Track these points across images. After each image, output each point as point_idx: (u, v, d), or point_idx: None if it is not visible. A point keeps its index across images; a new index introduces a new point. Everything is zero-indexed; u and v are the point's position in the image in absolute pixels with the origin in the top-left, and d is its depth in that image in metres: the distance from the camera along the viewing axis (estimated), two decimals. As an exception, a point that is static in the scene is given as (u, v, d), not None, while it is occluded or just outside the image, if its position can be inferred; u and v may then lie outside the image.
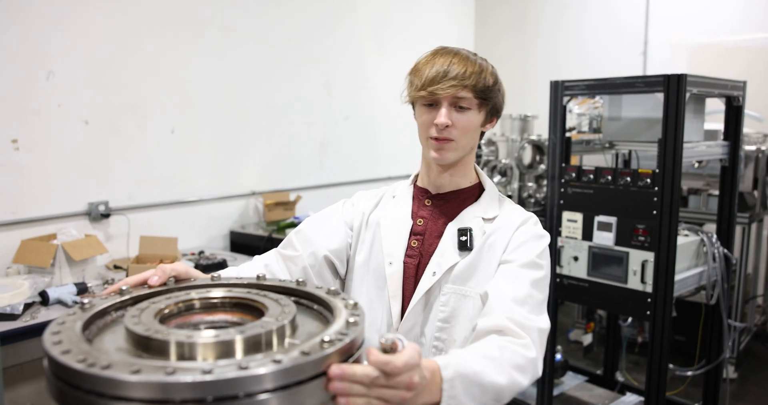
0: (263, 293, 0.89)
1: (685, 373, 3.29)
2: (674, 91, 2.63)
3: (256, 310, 0.84)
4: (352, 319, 0.81)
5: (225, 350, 0.72)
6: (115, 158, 3.73)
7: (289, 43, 4.70)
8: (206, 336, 0.73)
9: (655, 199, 2.72)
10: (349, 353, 0.76)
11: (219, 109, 4.26)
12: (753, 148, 4.13)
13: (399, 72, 5.70)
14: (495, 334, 1.20)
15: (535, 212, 3.52)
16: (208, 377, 0.63)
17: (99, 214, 3.59)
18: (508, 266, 1.36)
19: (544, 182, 4.12)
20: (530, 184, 3.72)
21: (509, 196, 3.69)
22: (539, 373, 1.21)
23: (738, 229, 4.39)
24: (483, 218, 1.47)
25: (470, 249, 1.42)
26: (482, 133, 1.52)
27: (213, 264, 3.57)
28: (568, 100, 3.10)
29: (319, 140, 5.05)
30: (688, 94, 2.68)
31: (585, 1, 5.97)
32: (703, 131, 3.21)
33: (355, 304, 0.87)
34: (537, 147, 3.66)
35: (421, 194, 1.56)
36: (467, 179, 1.53)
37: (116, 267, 3.44)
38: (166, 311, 0.83)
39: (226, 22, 4.24)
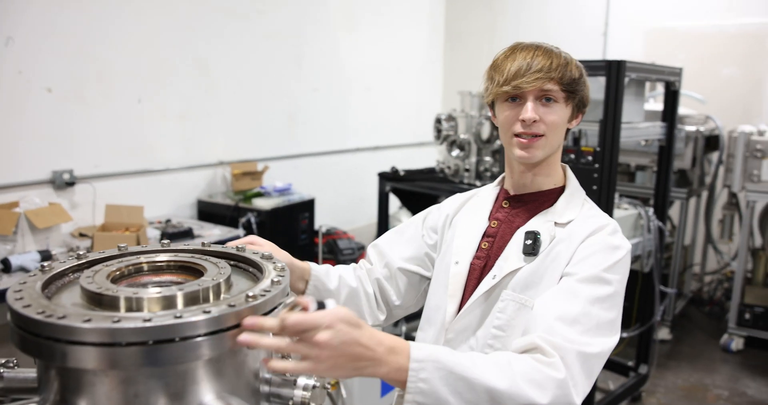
0: (205, 258, 1.04)
1: (621, 335, 3.54)
2: (614, 76, 2.81)
3: (197, 272, 1.00)
4: (276, 279, 0.97)
5: (167, 304, 0.88)
6: (80, 127, 3.77)
7: (260, 15, 4.77)
8: (150, 292, 0.88)
9: (596, 175, 2.91)
10: (271, 307, 0.92)
11: (187, 79, 4.34)
12: (693, 128, 4.36)
13: (369, 45, 5.88)
14: (526, 355, 1.11)
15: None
16: (148, 324, 0.79)
17: (63, 183, 3.64)
18: (567, 279, 1.25)
19: (502, 156, 4.30)
20: (487, 158, 3.89)
21: (467, 170, 3.87)
22: (571, 400, 1.08)
23: (677, 204, 4.65)
24: (556, 222, 1.36)
25: (535, 254, 1.32)
26: (568, 131, 1.43)
27: (180, 232, 3.70)
28: (520, 80, 3.26)
29: (288, 112, 5.15)
30: (627, 79, 2.86)
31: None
32: (644, 112, 3.40)
33: (283, 267, 1.03)
34: (493, 123, 3.82)
35: (503, 194, 1.49)
36: (551, 180, 1.43)
37: (81, 235, 3.52)
38: (117, 273, 0.98)
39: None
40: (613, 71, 2.83)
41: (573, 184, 1.44)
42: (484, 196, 1.52)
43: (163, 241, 1.12)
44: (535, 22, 6.21)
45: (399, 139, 6.29)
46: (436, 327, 1.42)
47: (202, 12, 4.34)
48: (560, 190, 1.42)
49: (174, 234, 3.65)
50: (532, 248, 1.32)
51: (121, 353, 0.78)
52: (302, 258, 1.45)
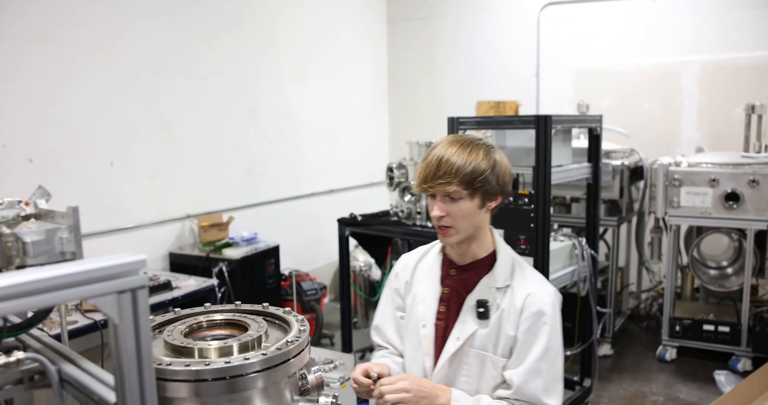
0: (244, 315, 1.39)
1: (565, 353, 3.96)
2: (542, 128, 3.26)
3: (242, 326, 1.35)
4: (302, 328, 1.32)
5: (228, 351, 1.22)
6: (58, 192, 3.99)
7: (216, 75, 5.12)
8: (216, 343, 1.23)
9: (532, 214, 3.34)
10: (300, 349, 1.27)
11: (154, 140, 4.63)
12: (618, 162, 4.89)
13: (319, 96, 6.34)
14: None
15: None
16: (227, 365, 1.13)
17: (48, 245, 3.88)
18: (529, 361, 1.65)
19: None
20: (436, 200, 4.31)
21: (418, 213, 4.27)
22: None
23: (611, 230, 5.16)
24: (496, 288, 1.71)
25: (487, 318, 1.69)
26: (497, 206, 1.74)
27: (158, 284, 3.92)
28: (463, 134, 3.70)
29: (247, 163, 5.49)
30: (554, 130, 3.32)
31: (485, 30, 6.66)
32: (571, 154, 3.88)
33: (303, 319, 1.38)
34: (440, 169, 4.25)
35: (447, 263, 1.83)
36: (483, 249, 1.77)
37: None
38: (187, 330, 1.32)
39: (157, 60, 4.60)
40: (541, 124, 3.28)
41: (502, 251, 1.78)
42: (431, 263, 1.86)
43: (206, 304, 1.45)
44: (471, 66, 6.75)
45: (352, 182, 6.69)
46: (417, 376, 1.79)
47: (164, 76, 4.66)
48: (493, 255, 1.78)
49: (154, 287, 3.88)
50: (485, 315, 1.69)
51: (209, 386, 1.13)
52: (271, 301, 1.82)
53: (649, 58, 5.88)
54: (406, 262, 1.95)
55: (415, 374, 1.76)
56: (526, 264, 1.80)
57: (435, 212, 1.66)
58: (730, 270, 4.94)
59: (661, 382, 4.52)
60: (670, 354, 4.88)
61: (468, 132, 4.00)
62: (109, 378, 0.83)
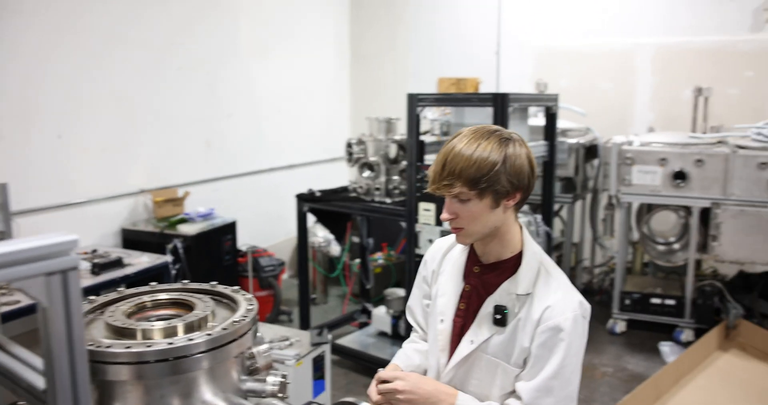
0: (191, 294, 1.36)
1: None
2: (500, 106, 3.28)
3: (188, 306, 1.32)
4: (249, 307, 1.31)
5: (172, 332, 1.20)
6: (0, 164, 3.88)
7: (172, 46, 4.99)
8: (160, 324, 1.20)
9: (489, 191, 3.36)
10: (247, 329, 1.26)
11: (105, 112, 4.51)
12: (574, 140, 4.96)
13: (279, 70, 6.23)
14: None
15: (398, 202, 4.10)
16: (170, 346, 1.11)
17: (-14, 220, 3.73)
18: (540, 377, 1.53)
19: (408, 173, 4.73)
20: (395, 177, 4.30)
21: (377, 189, 4.27)
22: None
23: (566, 207, 5.25)
24: (517, 294, 1.57)
25: (504, 325, 1.56)
26: (518, 204, 1.58)
27: (109, 262, 3.85)
28: (421, 110, 3.69)
29: (205, 137, 5.39)
30: (511, 108, 3.34)
31: (447, 8, 6.62)
32: (528, 132, 3.91)
33: (251, 298, 1.36)
34: (400, 146, 4.23)
35: (473, 258, 1.69)
36: (508, 250, 1.60)
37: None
38: (130, 310, 1.29)
39: (109, 29, 4.46)
40: (499, 102, 3.30)
41: (528, 254, 1.60)
42: (457, 256, 1.74)
43: (151, 283, 1.42)
44: (433, 43, 6.72)
45: (311, 157, 6.63)
46: (434, 373, 1.72)
47: (116, 46, 4.52)
48: (519, 256, 1.60)
49: (104, 264, 3.80)
50: (501, 322, 1.57)
51: (152, 368, 1.11)
52: (227, 278, 1.76)
53: (606, 39, 5.95)
54: (435, 250, 1.85)
55: (432, 367, 1.73)
56: (555, 270, 1.64)
57: (443, 215, 1.57)
58: (676, 246, 5.09)
59: (611, 354, 4.66)
60: (620, 327, 5.03)
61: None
62: (40, 362, 0.81)
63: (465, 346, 1.63)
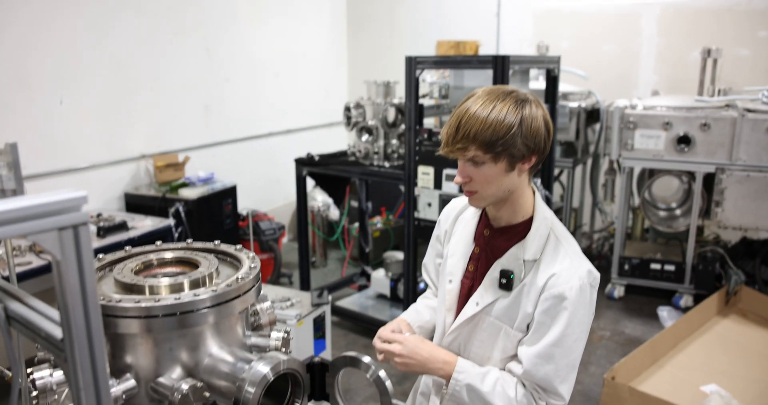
0: (195, 253, 1.39)
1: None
2: (500, 69, 3.26)
3: (193, 264, 1.35)
4: (253, 265, 1.34)
5: (179, 288, 1.23)
6: (3, 131, 3.89)
7: (169, 11, 4.94)
8: (166, 280, 1.24)
9: (489, 155, 3.38)
10: (252, 286, 1.29)
11: (105, 78, 4.49)
12: (575, 104, 4.94)
13: (276, 35, 6.19)
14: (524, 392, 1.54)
15: (396, 166, 4.11)
16: (177, 301, 1.15)
17: (-8, 186, 3.77)
18: (543, 343, 1.52)
19: (409, 137, 4.73)
20: (394, 141, 4.31)
21: (376, 153, 4.27)
22: None
23: (566, 171, 5.26)
24: (524, 260, 1.56)
25: (510, 290, 1.56)
26: (535, 166, 1.55)
27: (114, 225, 3.90)
28: (420, 73, 3.68)
29: (203, 102, 5.38)
30: (511, 71, 3.33)
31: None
32: (529, 96, 3.89)
33: (254, 256, 1.39)
34: (399, 109, 4.23)
35: (484, 220, 1.68)
36: (519, 215, 1.59)
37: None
38: (137, 268, 1.32)
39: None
40: (499, 65, 3.28)
41: (539, 219, 1.59)
42: (469, 218, 1.74)
43: (157, 243, 1.45)
44: (432, 5, 6.63)
45: (309, 122, 6.62)
46: (440, 331, 1.75)
47: (113, 11, 4.48)
48: (530, 221, 1.59)
49: (109, 228, 3.86)
50: (507, 286, 1.57)
51: (160, 322, 1.15)
52: (229, 241, 1.74)
53: (609, -1, 5.86)
54: (449, 210, 1.85)
55: (439, 324, 1.76)
56: (565, 237, 1.61)
57: (457, 178, 1.54)
58: (678, 211, 5.12)
59: (608, 318, 4.73)
60: (619, 292, 5.09)
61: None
62: (57, 315, 0.84)
63: (470, 308, 1.63)
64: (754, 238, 5.09)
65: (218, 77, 5.49)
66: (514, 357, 1.60)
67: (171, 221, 4.21)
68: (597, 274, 1.58)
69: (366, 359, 1.34)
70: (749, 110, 4.46)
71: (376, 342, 1.65)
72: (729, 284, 4.59)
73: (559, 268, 1.52)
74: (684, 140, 4.62)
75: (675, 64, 5.68)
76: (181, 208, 4.40)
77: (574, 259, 1.55)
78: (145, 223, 4.11)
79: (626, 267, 5.07)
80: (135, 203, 4.63)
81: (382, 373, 1.32)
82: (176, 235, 4.22)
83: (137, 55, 4.71)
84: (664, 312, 4.72)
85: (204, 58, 5.33)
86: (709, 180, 4.68)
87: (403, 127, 4.15)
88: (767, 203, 4.47)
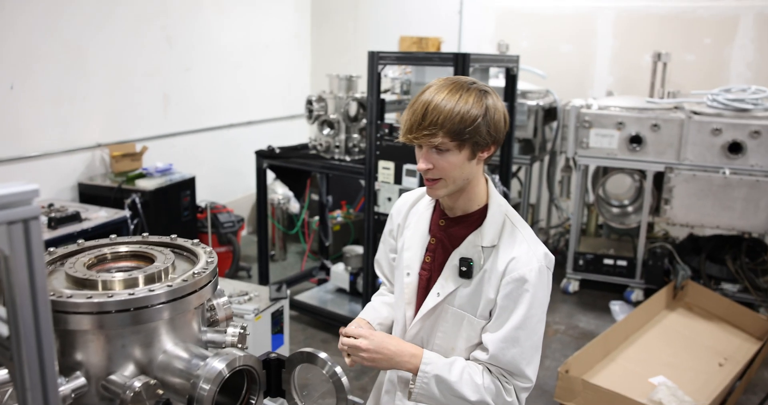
0: (151, 247, 1.37)
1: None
2: (461, 66, 3.29)
3: (148, 258, 1.33)
4: (209, 260, 1.33)
5: (133, 283, 1.21)
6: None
7: (128, -2, 4.84)
8: (120, 275, 1.22)
9: (449, 151, 3.41)
10: (208, 281, 1.28)
11: (59, 64, 4.37)
12: (534, 103, 5.01)
13: (238, 25, 6.12)
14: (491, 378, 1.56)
15: (357, 160, 4.11)
16: (131, 297, 1.13)
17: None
18: (506, 327, 1.55)
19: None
20: (355, 135, 4.30)
21: (337, 147, 4.27)
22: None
23: (524, 168, 5.34)
24: (482, 247, 1.58)
25: (470, 278, 1.59)
26: (489, 157, 1.58)
27: (66, 216, 3.80)
28: (382, 68, 3.68)
29: (162, 92, 5.28)
30: (472, 68, 3.36)
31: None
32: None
33: (211, 251, 1.38)
34: (360, 104, 4.23)
35: (439, 211, 1.69)
36: (474, 203, 1.61)
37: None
38: (90, 262, 1.29)
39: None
40: (459, 62, 3.30)
41: (494, 206, 1.62)
42: (422, 210, 1.76)
43: (111, 236, 1.43)
44: (394, 1, 6.63)
45: (271, 114, 6.56)
46: (400, 325, 1.75)
47: (68, -4, 4.37)
48: (485, 209, 1.62)
49: (61, 219, 3.75)
50: (467, 274, 1.59)
51: (113, 318, 1.13)
52: (186, 234, 1.73)
53: (567, 1, 5.95)
54: (401, 204, 1.85)
55: (399, 320, 1.76)
56: (520, 223, 1.64)
57: (421, 165, 1.54)
58: (630, 208, 5.25)
59: (563, 313, 4.83)
60: (573, 286, 5.20)
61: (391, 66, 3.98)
62: (2, 311, 0.82)
63: (431, 299, 1.65)
64: (700, 234, 5.26)
65: (178, 66, 5.40)
66: (479, 345, 1.62)
67: (127, 213, 4.13)
68: (552, 257, 1.63)
69: (322, 355, 1.35)
70: (696, 113, 4.63)
71: (342, 339, 1.63)
72: (676, 279, 4.75)
73: (518, 252, 1.55)
74: (636, 140, 4.75)
75: (628, 66, 5.81)
76: (137, 200, 4.32)
77: (531, 242, 1.59)
78: (99, 214, 4.02)
79: (581, 262, 5.18)
80: (89, 194, 4.53)
81: (338, 369, 1.33)
82: (132, 227, 4.14)
83: (94, 41, 4.59)
84: (616, 306, 4.85)
85: (164, 47, 5.23)
86: (659, 178, 4.82)
87: (364, 121, 4.14)
88: (711, 202, 4.63)
